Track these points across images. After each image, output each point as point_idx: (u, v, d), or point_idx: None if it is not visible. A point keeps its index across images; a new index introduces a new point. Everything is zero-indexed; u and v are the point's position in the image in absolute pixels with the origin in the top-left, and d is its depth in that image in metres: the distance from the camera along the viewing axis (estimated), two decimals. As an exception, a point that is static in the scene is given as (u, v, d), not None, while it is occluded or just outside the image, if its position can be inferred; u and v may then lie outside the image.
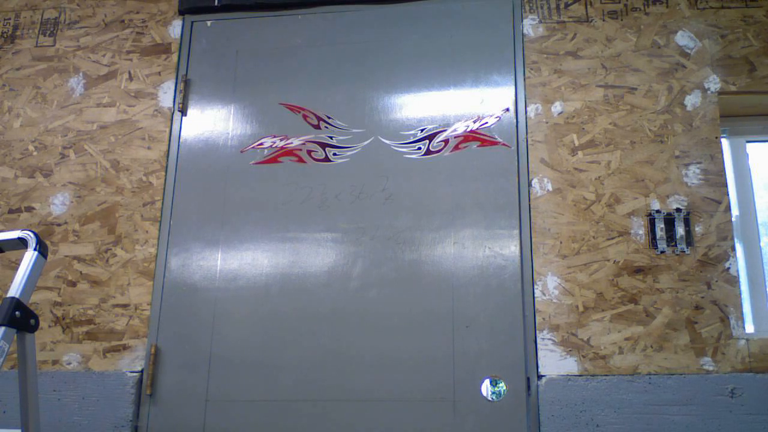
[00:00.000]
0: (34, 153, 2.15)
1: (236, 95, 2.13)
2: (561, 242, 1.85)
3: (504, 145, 1.96)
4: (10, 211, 2.10)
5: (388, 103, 2.05)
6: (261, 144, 2.06)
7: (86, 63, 2.23)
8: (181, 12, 2.22)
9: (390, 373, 1.82)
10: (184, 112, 2.13)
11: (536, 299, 1.82)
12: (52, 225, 2.07)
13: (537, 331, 1.79)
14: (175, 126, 2.12)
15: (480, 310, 1.84)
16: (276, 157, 2.04)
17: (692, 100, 1.93)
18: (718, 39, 1.98)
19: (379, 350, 1.84)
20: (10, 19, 2.32)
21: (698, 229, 1.83)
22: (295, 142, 2.05)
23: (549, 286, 1.82)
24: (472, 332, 1.82)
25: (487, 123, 1.99)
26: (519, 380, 1.76)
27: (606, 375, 1.74)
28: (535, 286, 1.83)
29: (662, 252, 1.82)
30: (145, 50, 2.21)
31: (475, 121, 1.99)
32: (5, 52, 2.28)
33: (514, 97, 2.00)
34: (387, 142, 2.01)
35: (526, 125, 1.96)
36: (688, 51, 1.98)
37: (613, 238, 1.85)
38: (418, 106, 2.04)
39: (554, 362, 1.76)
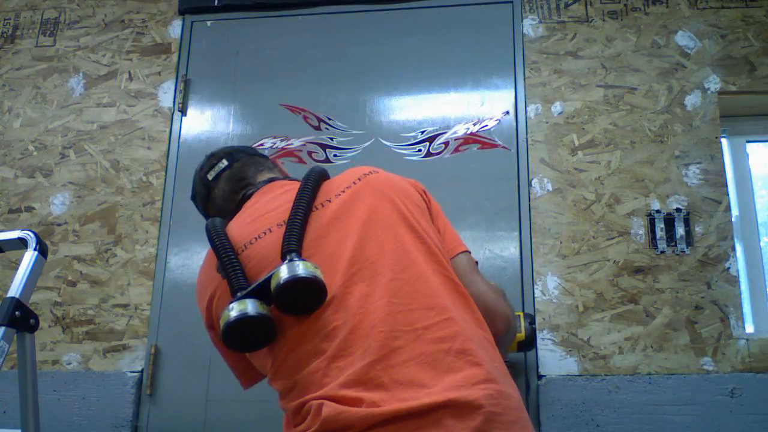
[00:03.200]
0: (34, 153, 2.15)
1: (236, 95, 2.12)
2: (561, 242, 1.85)
3: (504, 147, 1.96)
4: (10, 211, 2.10)
5: (388, 105, 2.05)
6: (261, 144, 2.06)
7: (86, 63, 2.23)
8: (181, 12, 2.22)
9: (390, 373, 1.81)
10: (184, 112, 2.13)
11: (536, 299, 1.82)
12: (52, 225, 2.07)
13: (537, 331, 1.79)
14: (175, 126, 2.12)
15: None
16: (276, 157, 2.04)
17: (692, 100, 1.93)
18: (718, 39, 1.98)
19: (379, 350, 1.84)
20: (10, 19, 2.32)
21: (698, 229, 1.83)
22: (296, 143, 2.05)
23: (549, 286, 1.82)
24: (472, 332, 1.81)
25: (487, 126, 1.98)
26: (519, 380, 1.76)
27: (606, 375, 1.74)
28: (535, 286, 1.82)
29: (662, 252, 1.82)
30: (145, 50, 2.21)
31: (475, 124, 1.99)
32: (5, 52, 2.28)
33: (513, 98, 2.00)
34: (387, 143, 2.01)
35: (526, 125, 1.96)
36: (688, 51, 1.98)
37: (613, 238, 1.85)
38: (419, 108, 2.04)
39: (554, 362, 1.76)
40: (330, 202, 1.11)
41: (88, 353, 1.94)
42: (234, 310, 0.96)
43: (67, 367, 1.93)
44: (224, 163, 1.29)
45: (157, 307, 1.95)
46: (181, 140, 2.10)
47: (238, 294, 0.99)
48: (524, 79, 2.01)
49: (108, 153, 2.12)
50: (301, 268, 0.95)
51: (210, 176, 1.30)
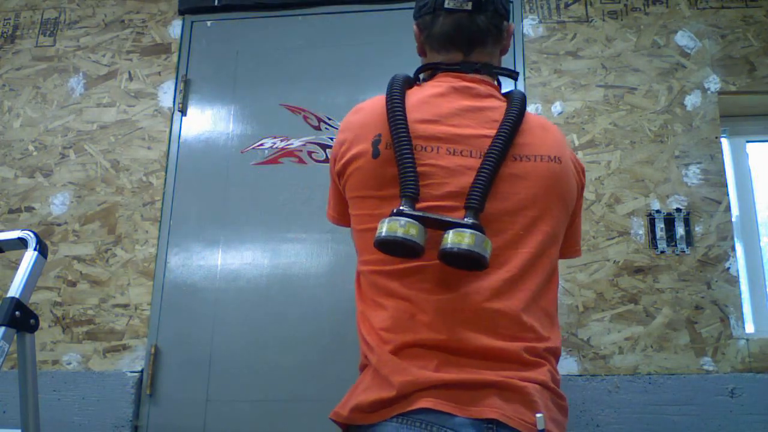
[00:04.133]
0: (34, 153, 2.15)
1: (236, 95, 2.12)
2: (561, 242, 1.85)
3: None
4: (10, 211, 2.10)
5: (388, 103, 2.05)
6: (261, 144, 2.06)
7: (86, 63, 2.23)
8: (181, 12, 2.22)
9: (390, 373, 1.81)
10: (184, 112, 2.13)
11: (536, 299, 1.82)
12: (52, 225, 2.07)
13: (537, 331, 1.79)
14: (175, 126, 2.12)
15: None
16: (276, 157, 2.04)
17: (692, 100, 1.93)
18: (718, 39, 1.98)
19: (379, 350, 1.84)
20: (10, 19, 2.32)
21: (698, 229, 1.83)
22: (296, 143, 2.05)
23: (549, 286, 1.82)
24: (472, 332, 1.81)
25: (487, 123, 1.98)
26: (519, 380, 1.76)
27: (606, 375, 1.74)
28: (535, 286, 1.82)
29: (662, 252, 1.82)
30: (145, 50, 2.21)
31: (475, 121, 1.99)
32: (5, 52, 2.28)
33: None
34: (387, 142, 2.01)
35: (526, 125, 1.96)
36: (688, 51, 1.98)
37: (613, 238, 1.85)
38: (418, 106, 2.03)
39: (554, 362, 1.76)
40: (524, 160, 1.05)
41: (88, 353, 1.94)
42: (406, 228, 0.96)
43: (67, 367, 1.93)
44: (468, 6, 1.13)
45: (157, 307, 1.95)
46: (181, 140, 2.10)
47: (405, 207, 0.98)
48: (524, 79, 2.00)
49: (108, 153, 2.12)
50: (481, 245, 0.93)
51: (448, 4, 1.14)
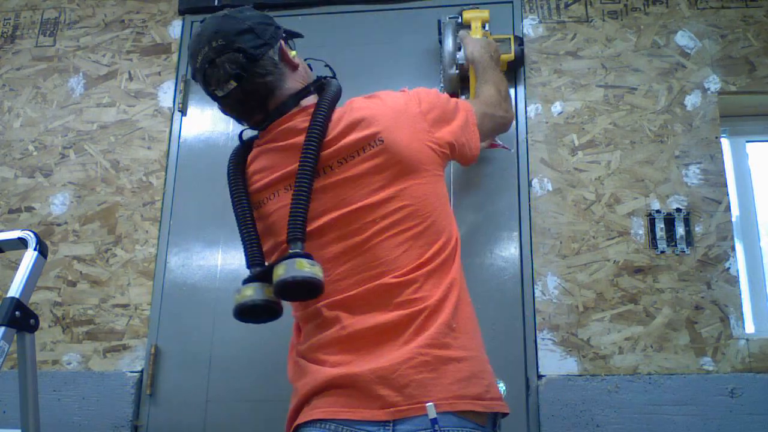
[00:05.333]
0: (34, 153, 2.15)
1: (236, 95, 2.12)
2: (561, 242, 1.85)
3: (504, 147, 1.95)
4: (10, 211, 2.10)
5: (388, 103, 2.05)
6: (261, 144, 2.06)
7: (86, 63, 2.23)
8: (181, 12, 2.22)
9: (390, 373, 1.81)
10: (184, 112, 2.13)
11: (536, 299, 1.82)
12: (52, 225, 2.07)
13: (537, 331, 1.79)
14: (175, 126, 2.12)
15: (479, 310, 1.83)
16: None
17: (692, 100, 1.93)
18: (718, 39, 1.98)
19: (379, 350, 1.84)
20: (10, 19, 2.32)
21: (698, 229, 1.83)
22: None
23: (549, 286, 1.82)
24: (472, 332, 1.81)
25: (487, 123, 1.98)
26: (519, 380, 1.76)
27: (606, 375, 1.74)
28: (535, 286, 1.82)
29: (662, 252, 1.82)
30: (145, 50, 2.21)
31: (475, 121, 1.99)
32: (5, 52, 2.28)
33: (513, 98, 1.99)
34: (387, 142, 2.01)
35: (526, 125, 1.96)
36: (688, 51, 1.98)
37: (613, 238, 1.85)
38: (418, 106, 2.03)
39: (554, 362, 1.76)
40: (332, 169, 1.15)
41: (88, 353, 1.94)
42: (242, 293, 1.11)
43: (67, 367, 1.93)
44: (232, 85, 1.16)
45: (157, 307, 1.95)
46: (181, 140, 2.10)
47: (250, 273, 1.14)
48: (524, 79, 2.00)
49: (108, 153, 2.12)
50: (297, 270, 1.02)
51: (218, 93, 1.18)
